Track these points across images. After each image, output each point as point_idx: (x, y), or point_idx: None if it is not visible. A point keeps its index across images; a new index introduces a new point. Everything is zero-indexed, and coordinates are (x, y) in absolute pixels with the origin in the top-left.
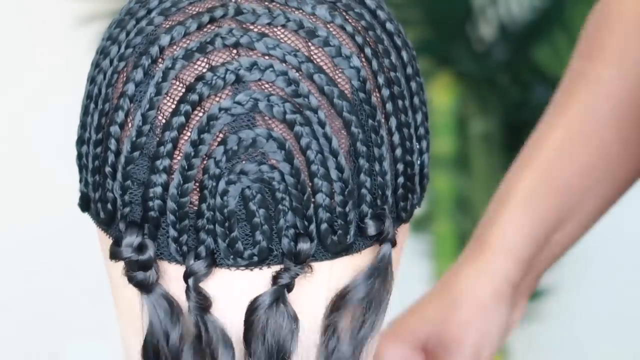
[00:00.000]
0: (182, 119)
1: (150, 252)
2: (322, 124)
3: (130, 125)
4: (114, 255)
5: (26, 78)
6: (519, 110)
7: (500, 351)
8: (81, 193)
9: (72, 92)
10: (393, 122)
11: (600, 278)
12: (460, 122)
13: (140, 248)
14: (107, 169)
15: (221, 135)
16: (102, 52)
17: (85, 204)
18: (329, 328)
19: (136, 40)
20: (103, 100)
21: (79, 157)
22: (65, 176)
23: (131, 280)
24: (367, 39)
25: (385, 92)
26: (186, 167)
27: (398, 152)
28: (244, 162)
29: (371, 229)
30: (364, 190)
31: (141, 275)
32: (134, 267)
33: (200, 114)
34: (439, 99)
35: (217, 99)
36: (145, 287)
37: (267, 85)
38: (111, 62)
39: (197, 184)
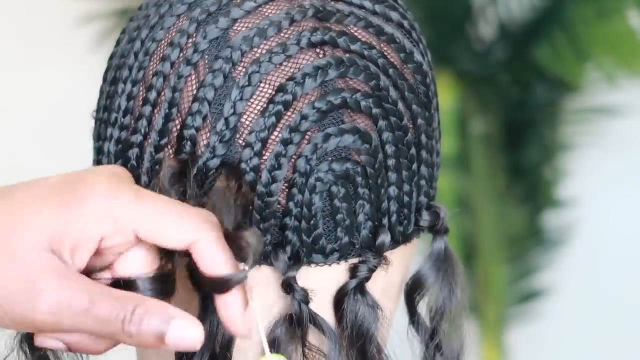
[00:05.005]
0: (274, 119)
1: None
2: (400, 117)
3: (208, 129)
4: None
5: (26, 78)
6: (519, 110)
7: (501, 351)
8: None
9: (72, 91)
10: (436, 116)
11: (600, 278)
12: (460, 122)
13: None
14: None
15: (310, 133)
16: (156, 54)
17: None
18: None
19: (203, 45)
20: (170, 105)
21: (127, 160)
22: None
23: (191, 279)
24: (420, 36)
25: (433, 87)
26: (276, 166)
27: (438, 147)
28: (330, 159)
29: (427, 220)
30: (423, 182)
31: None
32: (197, 267)
33: (291, 114)
34: (439, 99)
35: (309, 98)
36: (202, 290)
37: (352, 82)
38: (172, 65)
39: (285, 183)
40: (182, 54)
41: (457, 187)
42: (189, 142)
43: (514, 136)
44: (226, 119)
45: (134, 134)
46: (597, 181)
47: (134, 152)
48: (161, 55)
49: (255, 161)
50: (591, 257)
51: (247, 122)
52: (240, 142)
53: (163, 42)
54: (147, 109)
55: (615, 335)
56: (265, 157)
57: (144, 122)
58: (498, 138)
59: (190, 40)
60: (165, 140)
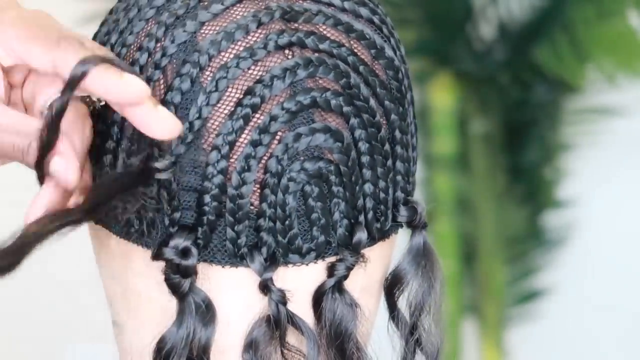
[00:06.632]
0: (241, 122)
1: (193, 260)
2: (372, 114)
3: None
4: (158, 255)
5: None
6: (519, 110)
7: (501, 351)
8: None
9: None
10: (411, 110)
11: (600, 278)
12: (460, 122)
13: (185, 253)
14: None
15: (280, 134)
16: (125, 59)
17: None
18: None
19: (171, 49)
20: None
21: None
22: None
23: (168, 281)
24: (391, 30)
25: (406, 81)
26: (245, 167)
27: (414, 141)
28: (302, 158)
29: (404, 216)
30: (399, 177)
31: (177, 280)
32: (174, 270)
33: (260, 116)
34: (439, 99)
35: (278, 99)
36: (178, 293)
37: (321, 81)
38: (141, 69)
39: (256, 185)
40: (150, 58)
41: (457, 187)
42: (155, 148)
43: (514, 136)
44: (190, 122)
45: (107, 140)
46: (597, 181)
47: (107, 159)
48: (130, 59)
49: (223, 163)
50: (591, 257)
51: (214, 126)
52: (206, 146)
53: (132, 46)
54: (119, 115)
55: (615, 335)
56: (233, 159)
57: (116, 129)
58: (498, 138)
59: (159, 44)
60: (135, 146)
